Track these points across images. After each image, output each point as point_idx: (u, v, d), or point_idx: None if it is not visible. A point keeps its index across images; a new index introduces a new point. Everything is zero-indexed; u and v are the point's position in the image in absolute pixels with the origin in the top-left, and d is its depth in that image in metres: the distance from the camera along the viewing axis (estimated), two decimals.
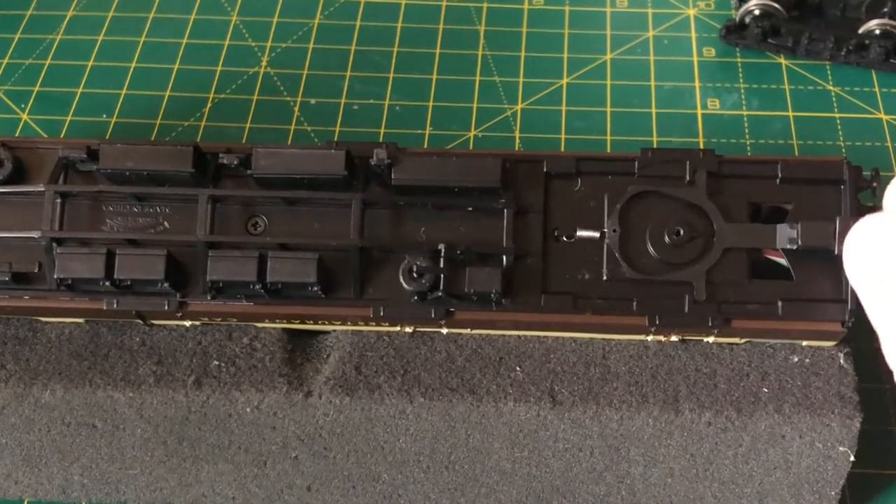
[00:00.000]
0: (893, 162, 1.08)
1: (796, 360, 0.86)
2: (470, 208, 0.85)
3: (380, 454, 0.88)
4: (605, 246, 0.84)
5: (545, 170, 0.85)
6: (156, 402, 0.87)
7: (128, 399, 0.87)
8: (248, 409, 0.87)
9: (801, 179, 0.84)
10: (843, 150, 1.08)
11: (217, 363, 0.88)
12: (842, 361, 0.86)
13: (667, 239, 0.83)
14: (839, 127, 1.11)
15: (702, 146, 1.09)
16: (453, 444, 0.87)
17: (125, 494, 0.90)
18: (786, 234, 0.82)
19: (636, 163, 0.85)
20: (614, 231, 0.83)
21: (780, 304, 0.83)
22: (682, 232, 0.83)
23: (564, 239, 0.85)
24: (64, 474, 0.90)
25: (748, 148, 1.09)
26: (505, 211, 0.84)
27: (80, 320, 0.90)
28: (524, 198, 0.85)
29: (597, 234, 0.84)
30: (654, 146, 1.10)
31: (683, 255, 0.84)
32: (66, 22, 1.24)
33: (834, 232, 0.81)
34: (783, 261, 0.84)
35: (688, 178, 0.85)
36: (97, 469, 0.90)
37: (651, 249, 0.84)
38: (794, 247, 0.82)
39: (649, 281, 0.83)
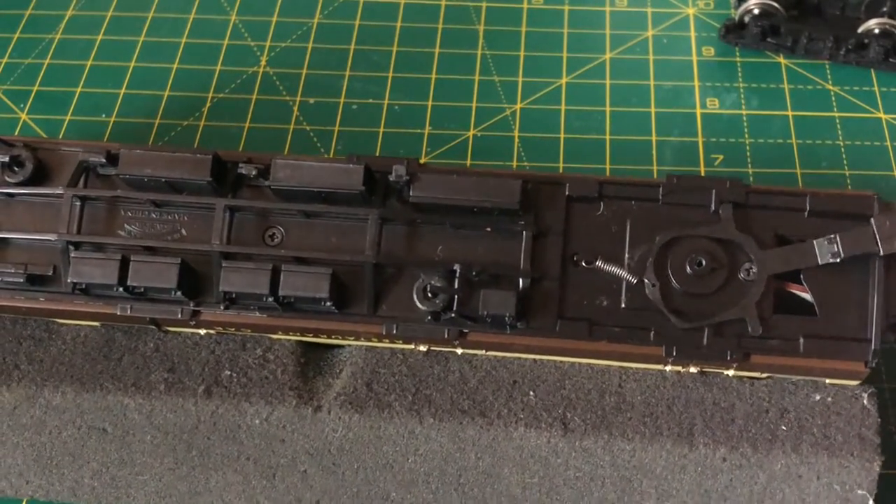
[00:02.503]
0: (893, 162, 1.00)
1: (818, 398, 0.77)
2: (488, 228, 0.76)
3: (389, 472, 0.79)
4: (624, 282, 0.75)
5: (567, 193, 0.76)
6: (165, 410, 0.79)
7: (138, 405, 0.79)
8: (257, 422, 0.79)
9: (831, 213, 0.75)
10: (843, 149, 1.01)
11: (229, 373, 0.80)
12: (865, 402, 0.76)
13: (707, 278, 0.74)
14: (838, 126, 1.03)
15: (701, 145, 1.02)
16: (463, 466, 0.78)
17: (135, 500, 0.82)
18: (826, 249, 0.73)
19: (661, 189, 0.76)
20: (654, 285, 0.74)
21: (801, 340, 0.74)
22: (723, 272, 0.74)
23: (584, 264, 0.76)
24: (74, 476, 0.82)
25: (747, 147, 1.02)
26: (524, 233, 0.76)
27: (96, 323, 0.82)
28: (544, 220, 0.76)
29: (632, 279, 0.75)
30: (654, 145, 1.02)
31: (728, 292, 0.74)
32: (65, 21, 1.16)
33: (874, 235, 0.72)
34: (807, 296, 0.74)
35: (713, 207, 0.75)
36: (107, 473, 0.82)
37: (692, 292, 0.74)
38: (838, 259, 0.72)
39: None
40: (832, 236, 0.72)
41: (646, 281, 0.74)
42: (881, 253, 0.72)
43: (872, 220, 0.72)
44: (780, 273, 0.74)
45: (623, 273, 0.74)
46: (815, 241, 0.73)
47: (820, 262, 0.73)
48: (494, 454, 0.77)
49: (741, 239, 0.74)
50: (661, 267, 0.74)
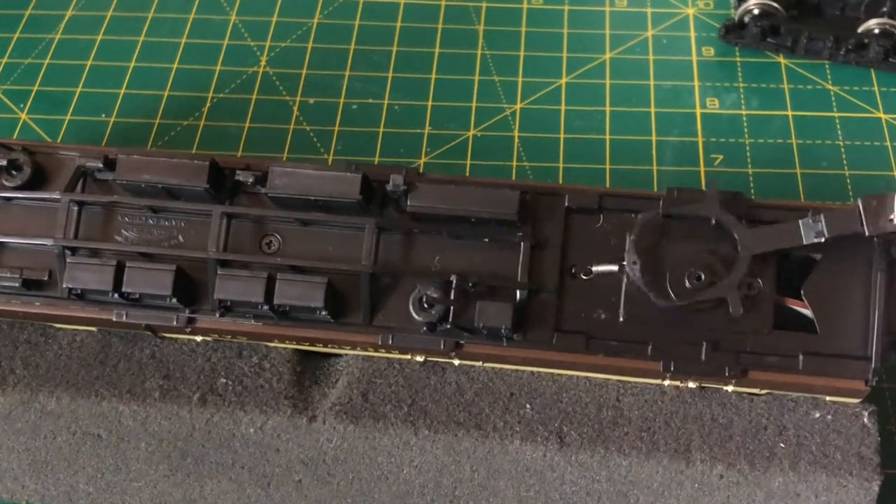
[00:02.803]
0: (893, 162, 0.99)
1: (817, 415, 0.75)
2: (486, 239, 0.75)
3: (384, 484, 0.78)
4: (624, 286, 0.73)
5: (566, 204, 0.75)
6: (160, 417, 0.78)
7: (132, 412, 0.78)
8: (252, 430, 0.78)
9: None
10: (843, 149, 1.00)
11: (224, 381, 0.79)
12: (865, 420, 0.75)
13: (706, 292, 0.71)
14: (838, 126, 1.02)
15: (701, 145, 1.00)
16: (458, 478, 0.77)
17: None
18: (811, 229, 0.70)
19: (660, 202, 0.74)
20: (634, 263, 0.71)
21: (801, 357, 0.72)
22: (703, 268, 0.72)
23: (582, 276, 0.74)
24: (70, 482, 0.81)
25: (747, 147, 1.00)
26: (522, 244, 0.74)
27: (93, 328, 0.81)
28: (542, 231, 0.75)
29: (615, 268, 0.73)
30: (653, 145, 1.01)
31: (726, 308, 0.71)
32: (65, 21, 1.14)
33: (860, 215, 0.69)
34: (808, 312, 0.72)
35: (713, 220, 0.73)
36: (102, 479, 0.80)
37: (674, 277, 0.72)
38: (822, 239, 0.70)
39: (667, 325, 0.72)
40: (817, 215, 0.70)
41: (625, 263, 0.72)
42: (866, 233, 0.69)
43: (859, 201, 0.69)
44: (769, 263, 0.72)
45: (609, 267, 0.73)
46: (800, 221, 0.70)
47: (804, 242, 0.70)
48: (490, 467, 0.76)
49: (726, 219, 0.71)
50: (644, 249, 0.72)
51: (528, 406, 0.76)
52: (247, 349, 0.80)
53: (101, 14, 1.14)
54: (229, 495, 0.79)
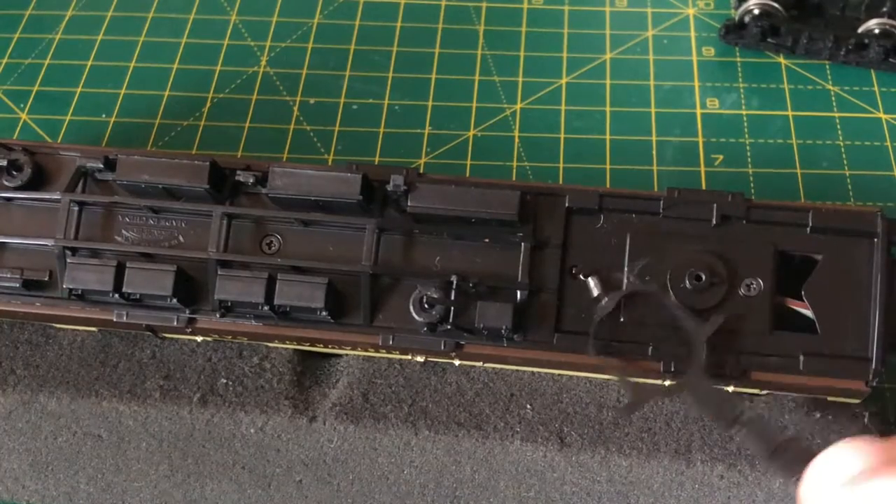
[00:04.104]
0: (893, 162, 0.97)
1: (818, 416, 0.75)
2: (486, 239, 0.74)
3: (384, 484, 0.77)
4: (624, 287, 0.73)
5: (567, 204, 0.74)
6: (161, 418, 0.78)
7: (132, 412, 0.78)
8: (252, 431, 0.77)
9: (833, 230, 0.72)
10: (843, 149, 0.98)
11: (225, 381, 0.78)
12: (866, 421, 0.74)
13: (707, 293, 0.71)
14: (838, 126, 1.00)
15: (701, 145, 0.99)
16: (459, 479, 0.76)
17: None
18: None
19: (661, 202, 0.74)
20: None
21: (801, 358, 0.71)
22: (723, 287, 0.71)
23: (582, 277, 0.73)
24: (70, 482, 0.80)
25: (747, 147, 0.99)
26: (522, 245, 0.73)
27: (93, 329, 0.81)
28: (543, 232, 0.74)
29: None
30: (654, 145, 0.99)
31: (727, 309, 0.71)
32: (65, 21, 1.13)
33: None
34: (808, 312, 0.72)
35: (714, 221, 0.73)
36: (103, 479, 0.80)
37: (692, 306, 0.71)
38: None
39: (668, 325, 0.71)
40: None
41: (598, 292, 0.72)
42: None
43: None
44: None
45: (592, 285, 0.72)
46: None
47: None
48: (490, 467, 0.75)
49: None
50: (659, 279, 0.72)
51: (528, 406, 0.76)
52: (247, 349, 0.79)
53: (101, 14, 1.13)
54: (230, 496, 0.78)
